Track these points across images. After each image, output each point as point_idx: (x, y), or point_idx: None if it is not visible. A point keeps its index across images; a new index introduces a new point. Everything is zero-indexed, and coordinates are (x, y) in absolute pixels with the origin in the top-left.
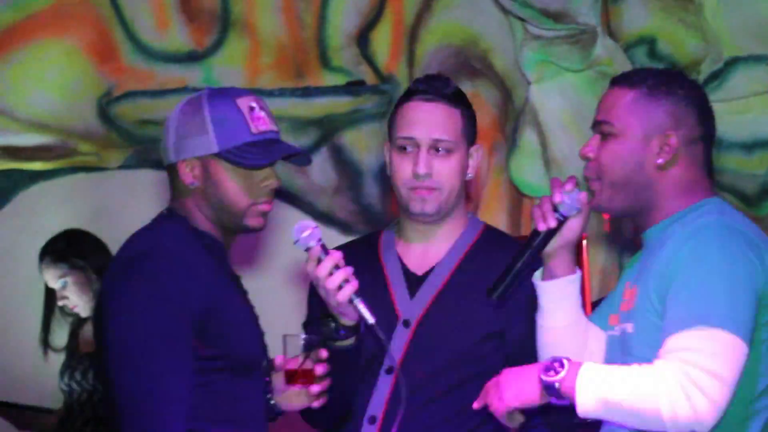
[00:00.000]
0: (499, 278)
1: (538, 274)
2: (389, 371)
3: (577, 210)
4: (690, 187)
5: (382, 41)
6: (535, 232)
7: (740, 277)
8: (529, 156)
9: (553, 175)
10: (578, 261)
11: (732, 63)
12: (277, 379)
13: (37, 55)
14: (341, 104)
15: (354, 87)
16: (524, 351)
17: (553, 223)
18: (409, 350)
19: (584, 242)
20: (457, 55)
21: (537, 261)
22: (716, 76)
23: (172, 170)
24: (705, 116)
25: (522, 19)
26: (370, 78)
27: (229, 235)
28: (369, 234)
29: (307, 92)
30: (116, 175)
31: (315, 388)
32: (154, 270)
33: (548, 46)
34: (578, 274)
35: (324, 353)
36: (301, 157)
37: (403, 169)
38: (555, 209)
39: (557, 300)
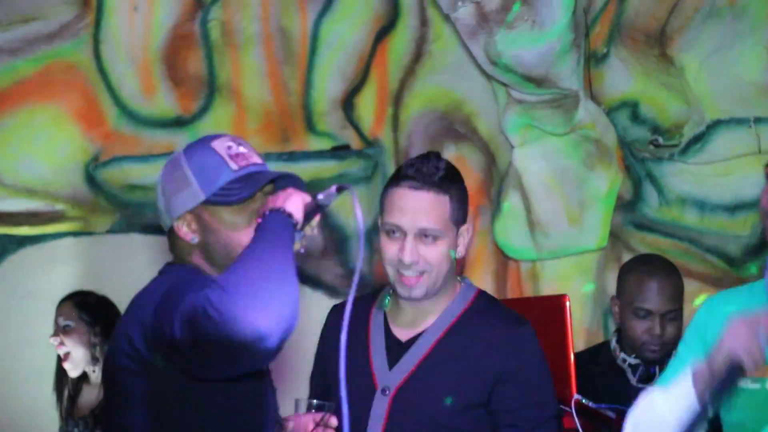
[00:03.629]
0: None
1: None
2: (384, 392)
3: None
4: None
5: (367, 106)
6: None
7: None
8: (513, 219)
9: (538, 237)
10: (561, 320)
11: (714, 125)
12: None
13: (24, 121)
14: (327, 168)
15: (339, 151)
16: (515, 423)
17: None
18: (390, 418)
19: (567, 303)
20: (441, 120)
21: None
22: (699, 138)
23: (171, 234)
24: None
25: (505, 84)
26: (355, 142)
27: None
28: (377, 290)
29: (293, 157)
30: (104, 240)
31: None
32: None
33: (531, 110)
34: None
35: (334, 421)
36: (287, 180)
37: (390, 252)
38: None
39: None
